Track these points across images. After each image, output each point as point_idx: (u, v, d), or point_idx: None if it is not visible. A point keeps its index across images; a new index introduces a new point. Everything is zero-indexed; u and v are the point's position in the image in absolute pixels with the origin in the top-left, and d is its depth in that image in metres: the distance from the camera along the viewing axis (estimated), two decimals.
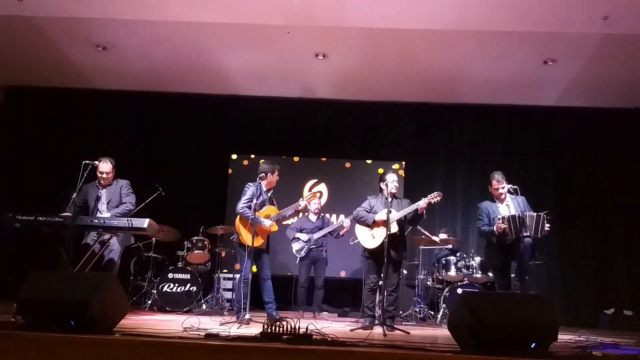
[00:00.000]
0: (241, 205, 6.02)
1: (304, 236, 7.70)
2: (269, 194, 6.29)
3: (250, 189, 6.12)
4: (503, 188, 6.01)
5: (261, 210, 6.09)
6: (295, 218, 8.37)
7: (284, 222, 8.58)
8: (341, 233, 7.72)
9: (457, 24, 7.15)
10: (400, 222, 5.86)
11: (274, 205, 6.28)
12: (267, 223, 6.02)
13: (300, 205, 6.24)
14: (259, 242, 6.02)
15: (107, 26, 7.60)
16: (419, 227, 7.54)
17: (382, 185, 6.03)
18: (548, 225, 5.72)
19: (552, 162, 9.38)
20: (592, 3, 6.57)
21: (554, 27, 7.09)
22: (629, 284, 8.69)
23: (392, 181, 5.93)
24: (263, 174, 6.20)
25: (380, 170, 6.26)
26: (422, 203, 5.74)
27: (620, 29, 7.01)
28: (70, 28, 7.69)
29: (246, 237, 5.96)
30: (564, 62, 7.96)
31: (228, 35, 7.72)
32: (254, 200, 5.97)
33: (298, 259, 7.74)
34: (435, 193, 5.80)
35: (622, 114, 9.25)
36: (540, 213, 5.67)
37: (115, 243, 5.92)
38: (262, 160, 6.50)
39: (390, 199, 5.81)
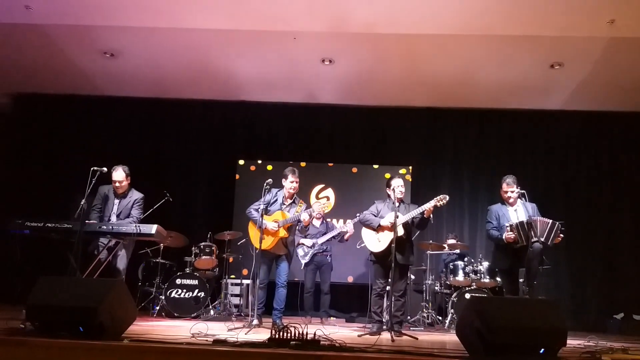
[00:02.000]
0: (249, 207, 6.21)
1: (308, 241, 7.69)
2: (289, 202, 6.22)
3: (267, 194, 6.16)
4: (513, 192, 5.98)
5: (269, 215, 6.12)
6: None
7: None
8: (345, 237, 7.70)
9: (463, 29, 7.15)
10: (406, 226, 5.85)
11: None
12: (269, 225, 6.01)
13: (301, 216, 6.05)
14: (266, 243, 6.02)
15: (115, 33, 7.66)
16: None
17: (389, 191, 6.02)
18: (561, 235, 5.69)
19: (560, 166, 9.34)
20: (598, 7, 6.57)
21: (560, 31, 7.09)
22: (638, 288, 8.62)
23: (398, 186, 5.91)
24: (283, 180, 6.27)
25: (387, 175, 6.27)
26: (428, 206, 5.71)
27: (626, 33, 7.00)
28: (77, 35, 7.75)
29: (253, 239, 6.14)
30: (571, 66, 7.95)
31: (235, 41, 7.76)
32: (263, 206, 6.08)
33: (303, 264, 7.73)
34: (441, 196, 5.76)
35: (629, 117, 9.21)
36: (556, 221, 5.63)
37: (121, 249, 5.93)
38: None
39: (397, 204, 5.80)
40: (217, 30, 7.48)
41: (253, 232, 6.19)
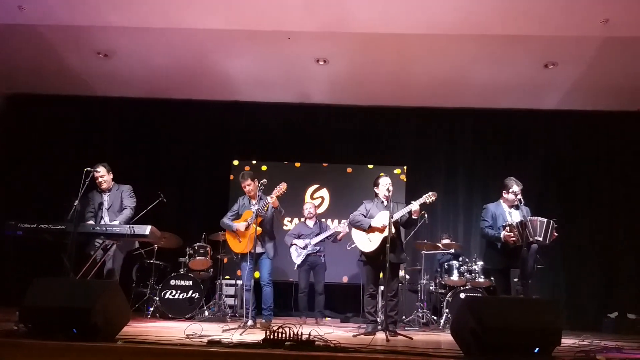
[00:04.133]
0: (221, 220, 6.63)
1: (301, 242, 7.68)
2: (254, 202, 6.29)
3: (236, 204, 6.66)
4: (519, 195, 5.93)
5: (240, 218, 6.49)
6: (293, 223, 8.42)
7: (284, 227, 8.62)
8: (338, 237, 7.71)
9: (457, 29, 7.16)
10: (396, 224, 5.84)
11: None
12: (239, 226, 6.36)
13: (267, 200, 6.19)
14: (242, 246, 6.31)
15: (109, 33, 7.63)
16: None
17: (377, 190, 6.05)
18: (556, 233, 5.69)
19: (554, 166, 9.35)
20: (592, 6, 6.59)
21: (554, 31, 7.10)
22: (632, 287, 8.66)
23: (385, 184, 5.95)
24: None
25: (382, 174, 6.27)
26: (416, 204, 5.72)
27: (620, 32, 7.02)
28: (71, 36, 7.72)
29: (232, 246, 6.54)
30: (565, 66, 7.97)
31: (229, 41, 7.75)
32: (240, 212, 6.53)
33: (296, 265, 7.73)
34: (429, 193, 5.78)
35: (623, 117, 9.24)
36: (549, 220, 5.63)
37: (115, 250, 5.90)
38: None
39: (387, 203, 5.85)
40: (211, 30, 7.46)
41: (231, 239, 6.54)
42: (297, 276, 7.78)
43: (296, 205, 8.54)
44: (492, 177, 8.88)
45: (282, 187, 6.21)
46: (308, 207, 7.97)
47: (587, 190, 9.22)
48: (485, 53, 7.75)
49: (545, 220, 5.60)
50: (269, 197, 6.18)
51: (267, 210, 6.30)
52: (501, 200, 6.09)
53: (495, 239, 5.87)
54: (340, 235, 7.65)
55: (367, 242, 5.88)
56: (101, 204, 6.17)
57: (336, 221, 8.75)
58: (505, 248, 5.79)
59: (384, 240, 5.55)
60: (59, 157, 9.36)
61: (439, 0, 6.66)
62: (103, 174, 6.15)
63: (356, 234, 6.01)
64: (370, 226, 5.85)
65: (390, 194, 5.87)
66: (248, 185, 6.43)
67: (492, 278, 7.26)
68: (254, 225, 6.00)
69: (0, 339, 3.60)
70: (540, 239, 5.54)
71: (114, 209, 6.16)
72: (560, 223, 5.75)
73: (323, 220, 8.33)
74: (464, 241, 8.91)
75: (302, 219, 8.18)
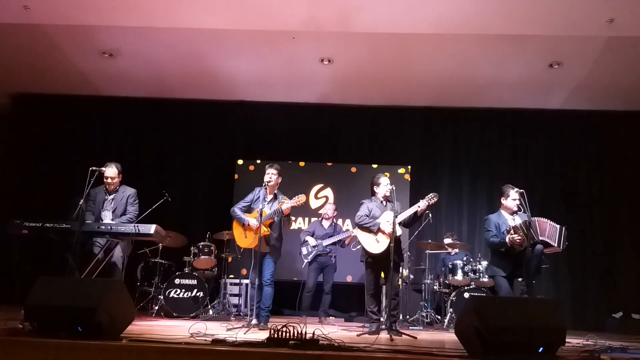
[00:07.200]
0: (233, 207, 6.33)
1: (312, 241, 7.70)
2: (270, 197, 6.20)
3: (251, 193, 6.32)
4: (518, 200, 5.91)
5: (251, 213, 6.22)
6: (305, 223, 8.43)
7: (292, 227, 8.62)
8: (346, 242, 7.74)
9: (462, 28, 7.16)
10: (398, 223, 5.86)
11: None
12: (251, 222, 6.07)
13: (283, 206, 6.05)
14: (248, 241, 6.10)
15: (114, 33, 7.66)
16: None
17: (376, 189, 6.05)
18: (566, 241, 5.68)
19: (559, 166, 9.34)
20: (597, 6, 6.57)
21: (559, 31, 7.09)
22: (637, 287, 8.65)
23: (386, 184, 5.97)
24: None
25: (387, 175, 6.26)
26: (423, 204, 5.75)
27: (625, 32, 7.01)
28: (77, 35, 7.75)
29: (237, 238, 6.31)
30: (570, 66, 7.95)
31: (234, 41, 7.76)
32: (253, 205, 6.23)
33: (305, 262, 7.74)
34: (431, 194, 5.83)
35: (628, 116, 9.21)
36: (562, 226, 5.61)
37: (117, 249, 5.90)
38: None
39: (384, 203, 5.92)
40: (216, 30, 7.48)
41: (237, 232, 6.31)
42: (306, 275, 7.79)
43: (300, 205, 8.53)
44: (496, 176, 8.89)
45: (301, 199, 6.09)
46: (329, 208, 8.02)
47: (591, 189, 9.20)
48: (490, 53, 7.75)
49: (558, 226, 5.59)
50: (284, 201, 6.07)
51: (279, 214, 6.21)
52: (501, 210, 6.08)
53: (501, 245, 5.82)
54: (348, 239, 7.67)
55: (375, 244, 5.85)
56: (104, 203, 6.14)
57: (340, 220, 8.74)
58: (510, 254, 5.75)
59: (391, 241, 5.57)
60: (63, 157, 9.39)
61: (443, 0, 6.66)
62: (113, 176, 6.11)
63: (362, 236, 5.97)
64: (378, 228, 5.85)
65: (390, 194, 5.90)
66: (273, 175, 6.17)
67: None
68: (262, 226, 5.94)
69: (6, 337, 3.61)
70: (555, 244, 5.54)
71: (118, 212, 6.11)
72: (565, 223, 5.73)
73: (339, 223, 8.34)
74: (468, 240, 8.91)
75: (319, 218, 8.23)
